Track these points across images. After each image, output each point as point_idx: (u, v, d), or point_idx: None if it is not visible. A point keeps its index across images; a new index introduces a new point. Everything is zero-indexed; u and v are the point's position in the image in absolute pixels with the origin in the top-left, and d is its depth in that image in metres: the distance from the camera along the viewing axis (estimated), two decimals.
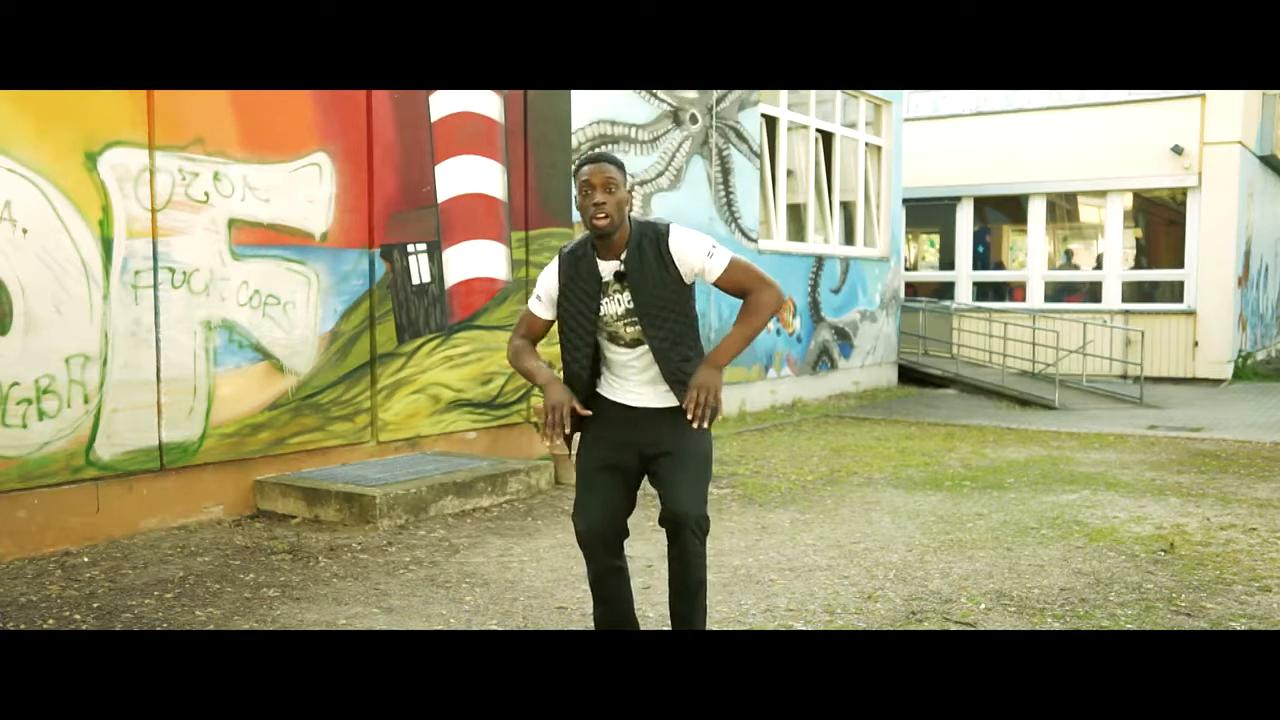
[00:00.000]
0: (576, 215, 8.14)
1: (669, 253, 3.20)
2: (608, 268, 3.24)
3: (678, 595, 3.35)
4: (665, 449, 3.26)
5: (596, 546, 3.31)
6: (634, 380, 3.29)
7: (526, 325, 3.41)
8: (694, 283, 3.28)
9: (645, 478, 3.40)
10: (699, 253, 3.22)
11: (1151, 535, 5.70)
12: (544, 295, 3.35)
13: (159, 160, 5.57)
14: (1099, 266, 15.64)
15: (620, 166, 3.19)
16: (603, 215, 3.14)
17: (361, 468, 6.51)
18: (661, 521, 3.32)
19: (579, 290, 3.25)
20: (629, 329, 3.24)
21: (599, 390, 3.35)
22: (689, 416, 3.17)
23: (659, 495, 3.31)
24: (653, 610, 4.24)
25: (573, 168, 3.29)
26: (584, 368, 3.29)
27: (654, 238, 3.22)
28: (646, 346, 3.24)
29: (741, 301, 3.28)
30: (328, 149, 6.40)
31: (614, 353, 3.29)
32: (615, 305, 3.24)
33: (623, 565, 3.40)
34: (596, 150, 3.28)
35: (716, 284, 3.24)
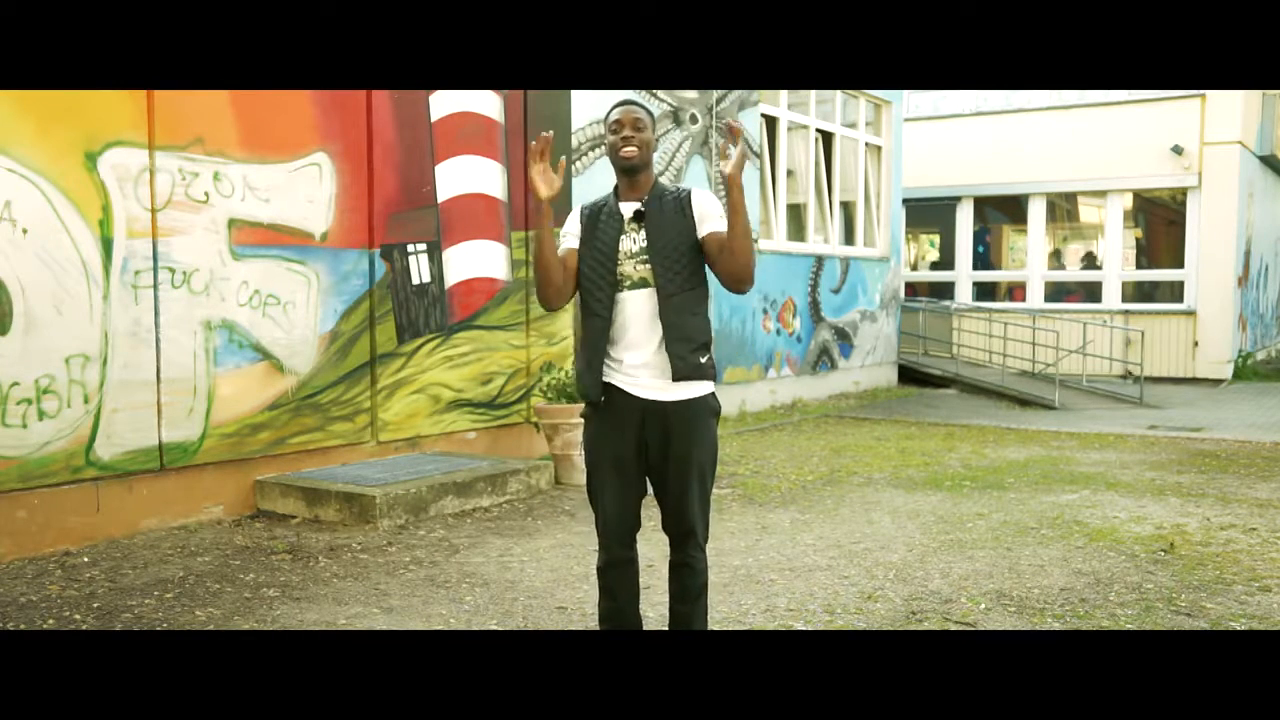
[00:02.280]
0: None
1: (689, 203, 3.26)
2: (627, 208, 3.27)
3: (679, 599, 3.35)
4: (670, 453, 3.24)
5: (609, 535, 3.30)
6: (633, 341, 3.22)
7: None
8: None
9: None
10: (713, 206, 3.28)
11: (1151, 535, 5.70)
12: (568, 232, 3.36)
13: (159, 160, 5.57)
14: (1099, 266, 15.64)
15: (650, 114, 3.26)
16: (630, 148, 3.19)
17: (361, 468, 6.51)
18: (665, 530, 3.31)
19: (602, 229, 3.27)
20: (639, 267, 3.21)
21: (605, 379, 3.30)
22: (726, 149, 3.13)
23: (660, 503, 3.30)
24: (653, 610, 4.24)
25: (604, 115, 3.30)
26: (605, 307, 3.24)
27: (677, 192, 3.29)
28: (651, 290, 3.20)
29: (721, 284, 3.27)
30: (328, 149, 6.40)
31: (617, 303, 3.24)
32: (630, 243, 3.24)
33: (633, 557, 3.38)
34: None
35: (708, 237, 3.22)
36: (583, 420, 3.41)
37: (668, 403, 3.22)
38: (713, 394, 3.29)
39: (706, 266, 3.29)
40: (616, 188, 3.32)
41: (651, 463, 3.28)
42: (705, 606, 3.39)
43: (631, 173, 3.24)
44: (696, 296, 3.25)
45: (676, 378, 3.19)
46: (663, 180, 3.39)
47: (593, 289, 3.26)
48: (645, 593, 4.47)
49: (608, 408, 3.27)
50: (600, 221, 3.28)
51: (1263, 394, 13.40)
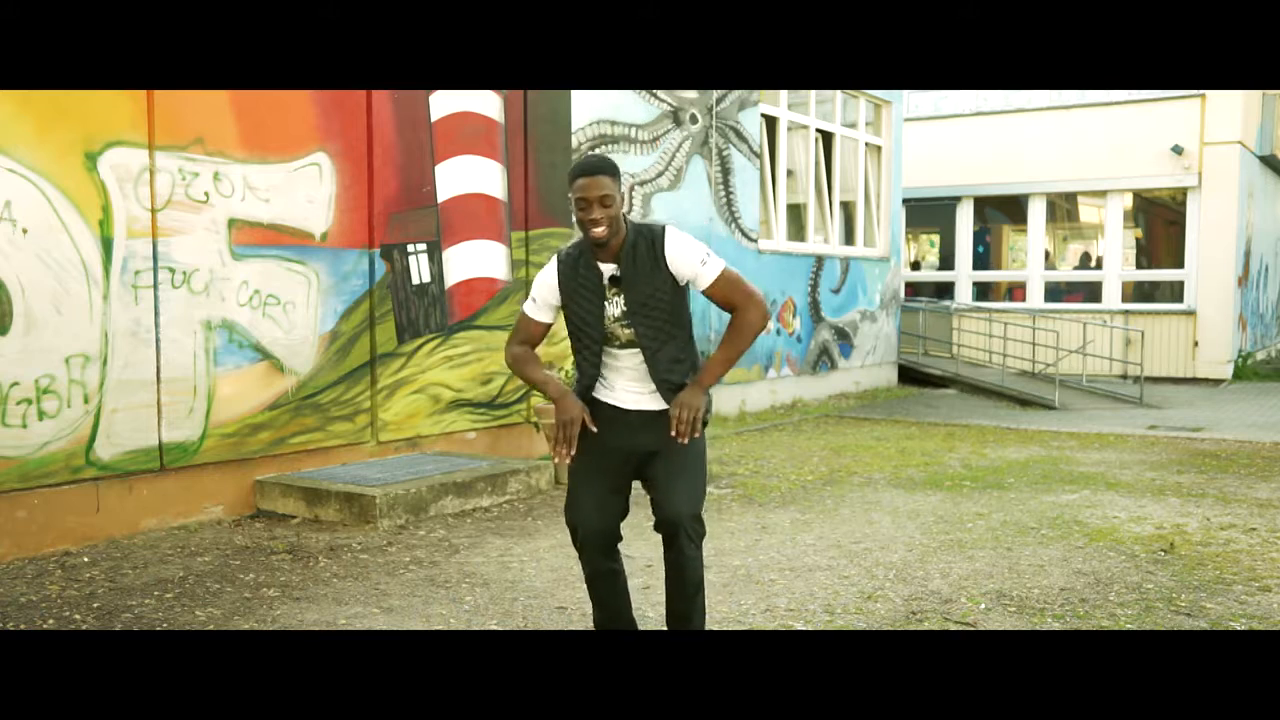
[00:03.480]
0: None
1: (664, 255, 3.21)
2: (606, 270, 3.25)
3: (676, 598, 3.35)
4: (660, 449, 3.27)
5: (589, 549, 3.31)
6: (626, 379, 3.30)
7: (524, 331, 3.39)
8: (687, 285, 3.29)
9: (639, 482, 3.40)
10: (693, 259, 3.22)
11: (1151, 535, 5.70)
12: (539, 298, 3.34)
13: (159, 160, 5.57)
14: (1096, 266, 15.65)
15: (614, 173, 3.17)
16: (599, 229, 3.15)
17: (361, 468, 6.51)
18: (656, 528, 3.31)
19: (583, 291, 3.25)
20: (624, 330, 3.25)
21: (594, 394, 3.34)
22: (672, 433, 3.19)
23: (651, 500, 3.31)
24: (653, 610, 4.24)
25: (569, 173, 3.26)
26: (593, 365, 3.32)
27: (649, 240, 3.22)
28: (638, 349, 3.25)
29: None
30: (328, 149, 6.40)
31: (608, 354, 3.29)
32: (613, 308, 3.25)
33: (618, 568, 3.39)
34: (589, 156, 3.24)
35: (706, 293, 3.25)
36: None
37: (656, 411, 3.29)
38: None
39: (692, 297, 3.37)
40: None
41: (641, 463, 3.29)
42: (703, 604, 3.39)
43: (603, 246, 3.22)
44: (678, 342, 3.28)
45: (668, 402, 3.28)
46: (632, 217, 3.40)
47: (582, 349, 3.33)
48: (645, 592, 4.48)
49: (596, 419, 3.30)
50: (580, 276, 3.27)
51: (1263, 394, 13.40)
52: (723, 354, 3.25)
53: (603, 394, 3.33)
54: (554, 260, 3.33)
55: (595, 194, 3.11)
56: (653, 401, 3.28)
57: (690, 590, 3.32)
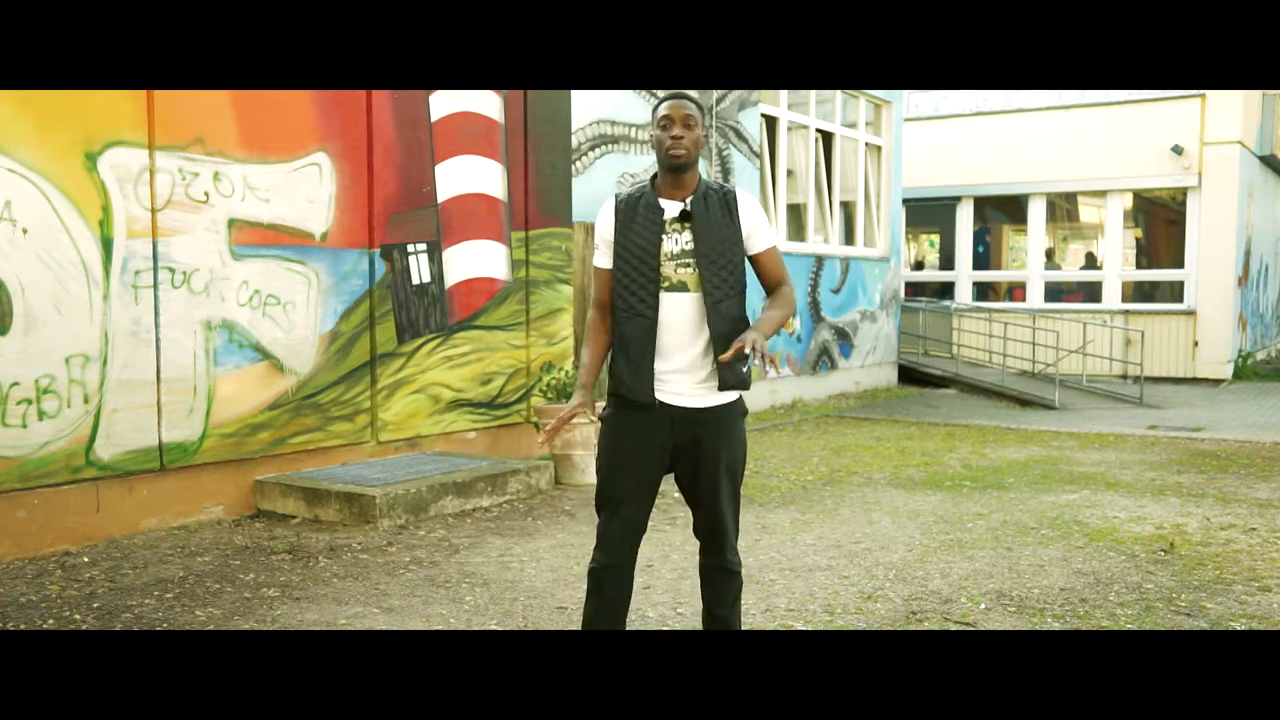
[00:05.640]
0: (576, 215, 8.14)
1: (736, 206, 3.19)
2: (671, 206, 3.18)
3: (717, 603, 3.28)
4: (703, 457, 3.17)
5: (614, 537, 3.23)
6: (669, 339, 3.15)
7: (599, 283, 3.29)
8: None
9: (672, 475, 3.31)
10: (761, 217, 3.23)
11: (1151, 535, 5.70)
12: (601, 240, 3.26)
13: (159, 160, 5.58)
14: (1098, 265, 15.65)
15: (700, 108, 3.18)
16: (680, 149, 3.11)
17: (361, 468, 6.51)
18: (698, 533, 3.27)
19: (640, 225, 3.17)
20: (680, 270, 3.14)
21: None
22: (731, 349, 3.00)
23: (696, 508, 3.24)
24: (653, 610, 4.24)
25: (652, 108, 3.25)
26: (650, 306, 3.14)
27: (721, 192, 3.22)
28: (690, 295, 3.13)
29: (767, 292, 3.27)
30: (328, 149, 6.40)
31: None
32: (672, 244, 3.15)
33: (634, 562, 3.34)
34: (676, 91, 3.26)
35: (756, 258, 3.22)
36: (598, 421, 3.28)
37: (700, 409, 3.16)
38: (741, 396, 3.26)
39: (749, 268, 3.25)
40: (654, 179, 3.23)
41: (683, 467, 3.20)
42: (740, 608, 3.37)
43: (678, 171, 3.15)
44: (740, 302, 3.18)
45: (723, 387, 3.14)
46: (703, 175, 3.32)
47: (635, 289, 3.16)
48: (646, 592, 4.48)
49: (637, 411, 3.17)
50: (638, 215, 3.18)
51: (1263, 394, 13.40)
52: (775, 313, 3.18)
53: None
54: (611, 200, 3.29)
55: (679, 114, 3.12)
56: (696, 390, 3.16)
57: (731, 597, 3.29)
